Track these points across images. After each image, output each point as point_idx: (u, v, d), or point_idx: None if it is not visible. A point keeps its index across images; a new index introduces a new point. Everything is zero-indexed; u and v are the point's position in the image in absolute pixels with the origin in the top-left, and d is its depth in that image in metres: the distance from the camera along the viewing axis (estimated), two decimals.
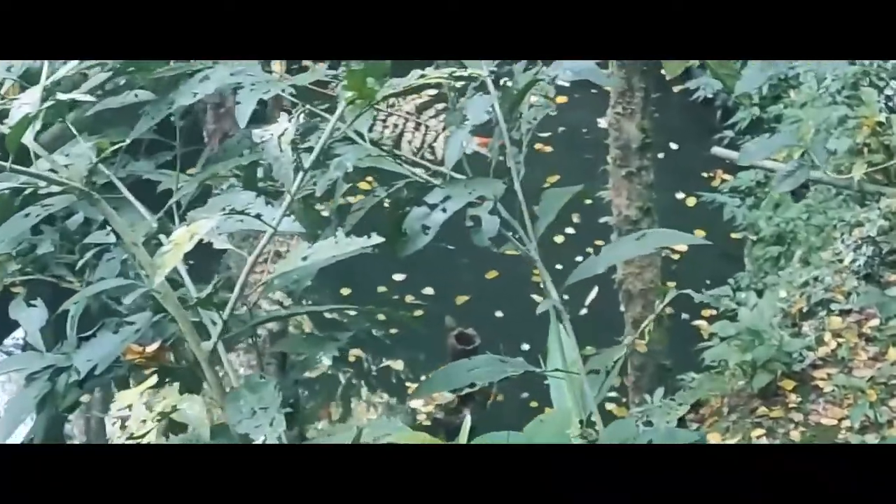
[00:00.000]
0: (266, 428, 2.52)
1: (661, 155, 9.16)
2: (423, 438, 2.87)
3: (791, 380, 7.24)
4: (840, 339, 7.48)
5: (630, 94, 7.37)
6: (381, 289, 9.31)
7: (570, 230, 9.74)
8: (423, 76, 2.77)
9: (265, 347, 3.18)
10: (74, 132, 3.05)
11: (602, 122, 8.46)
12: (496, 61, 3.08)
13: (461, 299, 8.72)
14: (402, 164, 3.02)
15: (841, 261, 7.96)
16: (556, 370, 2.98)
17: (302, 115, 2.82)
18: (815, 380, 7.24)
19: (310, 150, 2.90)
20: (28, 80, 2.96)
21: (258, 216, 2.70)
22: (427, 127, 4.89)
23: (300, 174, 2.70)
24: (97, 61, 2.94)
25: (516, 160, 3.10)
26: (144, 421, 2.52)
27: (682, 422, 7.60)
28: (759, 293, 8.31)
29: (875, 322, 7.44)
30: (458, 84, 3.00)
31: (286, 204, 2.70)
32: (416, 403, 8.73)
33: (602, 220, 8.39)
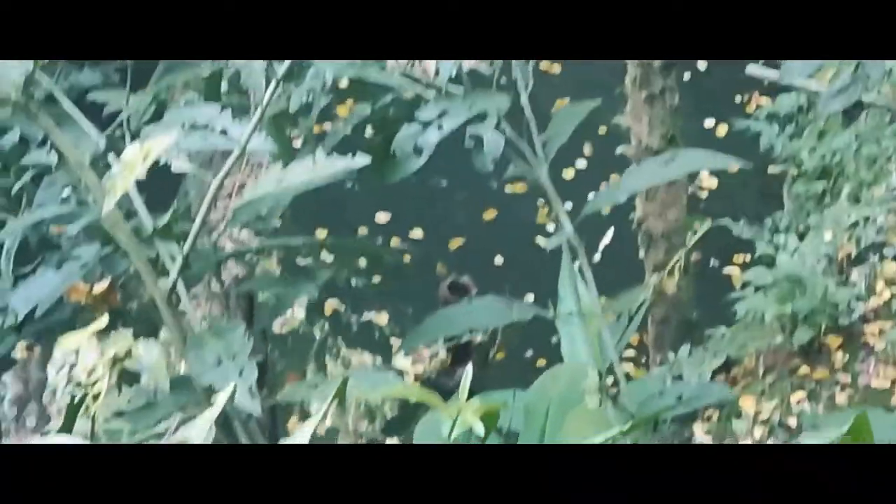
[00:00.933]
0: (234, 377, 2.52)
1: (686, 75, 9.12)
2: (417, 393, 2.88)
3: (837, 335, 7.27)
4: (895, 289, 7.50)
5: None
6: (363, 230, 9.31)
7: (581, 163, 9.73)
8: None
9: (230, 290, 3.17)
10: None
11: None
12: None
13: (455, 243, 8.69)
14: (391, 74, 3.02)
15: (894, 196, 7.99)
16: (570, 314, 2.97)
17: None
18: (865, 335, 7.26)
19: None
20: None
21: (223, 132, 2.70)
22: None
23: (272, 84, 2.71)
24: None
25: (523, 71, 3.11)
26: (93, 370, 2.51)
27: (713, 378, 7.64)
28: (801, 236, 8.33)
29: None
30: None
31: (256, 118, 2.70)
32: (402, 363, 8.77)
33: (619, 150, 8.35)
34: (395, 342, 8.97)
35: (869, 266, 7.62)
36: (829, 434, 3.45)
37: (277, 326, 8.24)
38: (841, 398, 6.90)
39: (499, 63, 3.13)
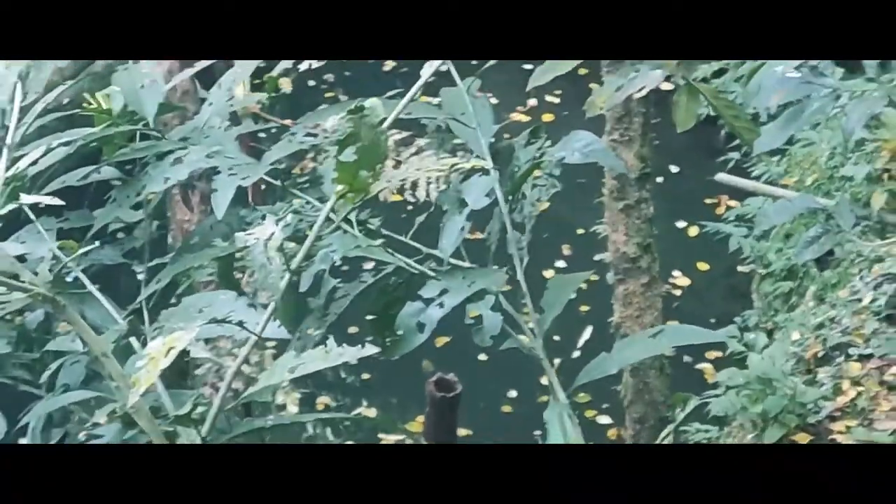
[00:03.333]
0: None
1: (660, 179, 9.19)
2: None
3: (806, 433, 7.25)
4: (859, 388, 7.50)
5: (628, 118, 7.41)
6: (353, 329, 9.31)
7: (560, 263, 9.75)
8: (421, 169, 2.80)
9: None
10: (32, 217, 3.08)
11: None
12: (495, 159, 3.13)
13: (441, 341, 8.71)
14: (394, 253, 3.05)
15: (860, 300, 7.99)
16: None
17: (289, 215, 2.83)
18: (833, 433, 7.26)
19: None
20: None
21: (241, 324, 2.72)
22: (408, 166, 4.91)
23: (286, 277, 2.73)
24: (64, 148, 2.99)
25: (519, 246, 3.13)
26: None
27: None
28: (769, 334, 8.36)
29: None
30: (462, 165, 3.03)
31: (270, 310, 2.72)
32: None
33: (597, 256, 8.39)
34: (383, 436, 8.95)
35: (835, 366, 7.65)
36: None
37: None
38: None
39: (495, 236, 3.16)
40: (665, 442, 6.91)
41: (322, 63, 3.18)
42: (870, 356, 7.60)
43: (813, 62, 3.54)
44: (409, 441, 8.83)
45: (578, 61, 3.54)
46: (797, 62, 3.56)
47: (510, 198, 3.12)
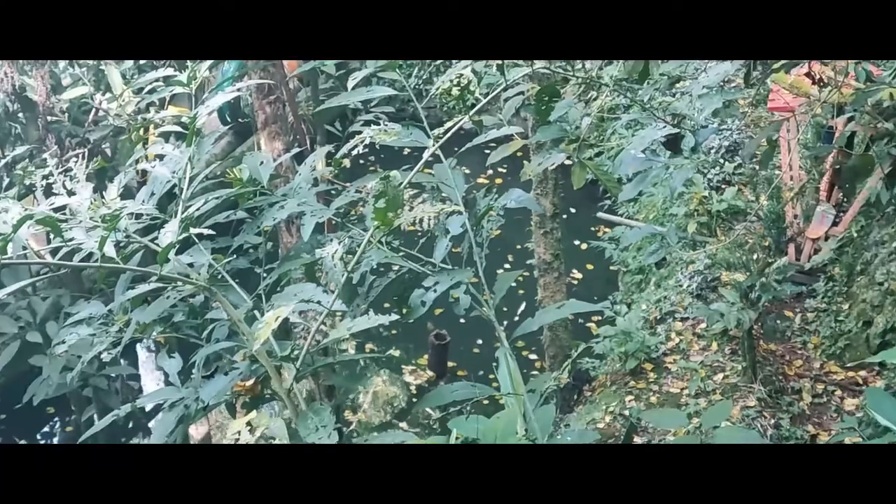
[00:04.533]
0: (326, 440, 2.50)
1: (565, 216, 9.26)
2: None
3: (650, 363, 7.30)
4: (681, 337, 7.53)
5: (545, 181, 7.42)
6: (386, 304, 9.29)
7: (507, 265, 9.78)
8: (423, 212, 2.78)
9: (322, 381, 3.15)
10: (196, 241, 3.06)
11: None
12: (464, 200, 3.04)
13: (438, 311, 8.70)
14: (407, 261, 3.04)
15: (681, 285, 8.02)
16: (509, 393, 2.97)
17: (347, 238, 2.81)
18: (666, 363, 7.29)
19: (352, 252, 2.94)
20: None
21: (318, 302, 2.71)
22: (416, 210, 4.95)
23: (345, 275, 2.71)
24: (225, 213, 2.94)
25: (479, 256, 3.10)
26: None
27: (580, 393, 7.62)
28: (629, 306, 8.37)
29: (703, 325, 7.50)
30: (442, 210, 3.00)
31: (335, 295, 2.70)
32: (408, 378, 8.72)
33: (528, 261, 8.40)
34: (404, 367, 8.92)
35: (667, 324, 7.67)
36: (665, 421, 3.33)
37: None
38: (653, 399, 6.90)
39: (466, 250, 3.12)
40: (566, 368, 6.91)
41: (367, 149, 3.13)
42: (686, 318, 7.63)
43: (652, 147, 3.52)
44: (419, 371, 8.80)
45: (518, 147, 3.50)
46: (647, 145, 3.53)
47: (475, 228, 3.09)
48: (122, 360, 7.42)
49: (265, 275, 3.02)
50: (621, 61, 3.42)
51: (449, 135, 3.02)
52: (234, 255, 3.14)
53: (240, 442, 2.45)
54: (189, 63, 3.01)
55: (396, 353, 9.23)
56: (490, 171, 11.20)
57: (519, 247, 9.99)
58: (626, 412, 6.84)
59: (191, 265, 2.89)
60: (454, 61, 2.95)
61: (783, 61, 3.46)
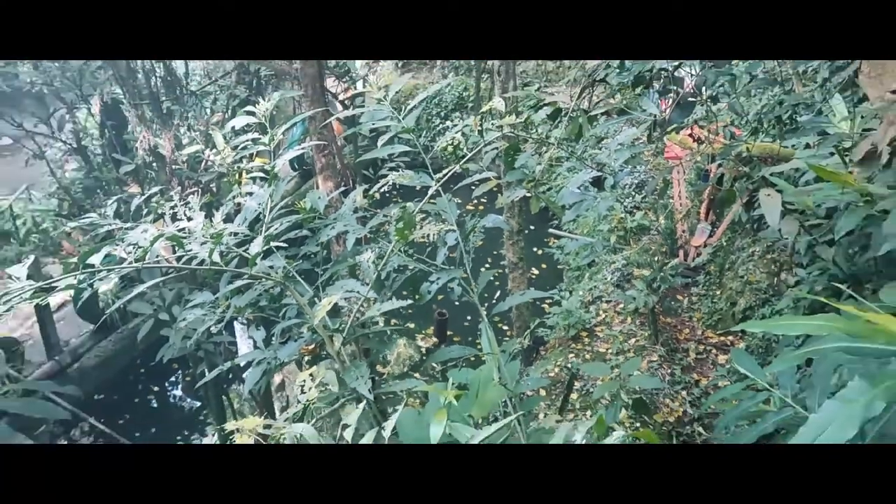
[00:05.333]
0: (363, 386, 2.51)
1: (527, 231, 9.22)
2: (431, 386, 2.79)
3: (586, 332, 7.24)
4: (605, 314, 7.49)
5: (513, 208, 7.37)
6: (404, 293, 9.25)
7: (487, 265, 9.74)
8: (429, 229, 2.78)
9: (360, 345, 3.13)
10: (275, 250, 3.05)
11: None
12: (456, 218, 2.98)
13: (440, 297, 8.67)
14: (418, 263, 3.03)
15: (606, 279, 7.98)
16: (489, 353, 2.95)
17: (377, 249, 2.80)
18: (596, 332, 7.23)
19: (381, 257, 2.92)
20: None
21: (357, 292, 2.70)
22: (425, 228, 4.95)
23: (375, 273, 2.70)
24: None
25: (467, 260, 3.09)
26: (310, 388, 2.48)
27: (537, 352, 7.58)
28: (571, 293, 8.33)
29: (621, 306, 7.42)
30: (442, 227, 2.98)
31: (370, 286, 2.70)
32: (421, 343, 8.68)
33: (502, 262, 8.36)
34: (417, 335, 8.87)
35: (597, 305, 7.62)
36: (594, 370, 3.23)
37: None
38: (587, 356, 6.85)
39: (458, 255, 3.10)
40: (528, 336, 6.87)
41: (390, 187, 3.10)
42: (610, 301, 7.59)
43: (585, 185, 3.52)
44: (427, 336, 8.76)
45: (494, 185, 3.45)
46: (581, 183, 3.47)
47: (464, 241, 3.09)
48: (224, 332, 7.44)
49: (321, 273, 3.01)
50: (563, 125, 3.41)
51: (446, 178, 3.02)
52: (301, 260, 3.13)
53: (304, 389, 2.43)
54: (269, 129, 3.02)
55: (412, 325, 9.17)
56: (475, 201, 11.20)
57: (495, 252, 9.95)
58: (569, 366, 6.82)
59: (271, 267, 2.88)
60: (451, 125, 2.95)
61: (674, 126, 3.47)
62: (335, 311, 3.10)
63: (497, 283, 9.14)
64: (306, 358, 2.83)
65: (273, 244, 2.78)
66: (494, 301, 9.39)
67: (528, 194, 3.46)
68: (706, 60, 2.54)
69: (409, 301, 2.63)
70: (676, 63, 3.07)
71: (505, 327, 8.75)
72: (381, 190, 2.99)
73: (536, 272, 9.92)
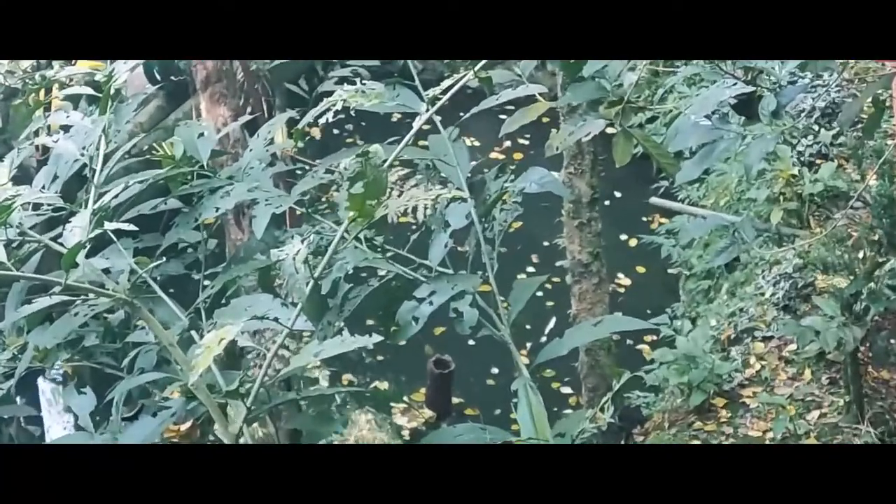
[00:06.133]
0: None
1: (606, 202, 9.21)
2: None
3: (722, 398, 7.27)
4: (763, 362, 7.51)
5: (581, 156, 7.41)
6: (369, 322, 9.32)
7: (530, 269, 9.77)
8: (415, 198, 2.80)
9: (279, 424, 3.18)
10: (114, 239, 3.08)
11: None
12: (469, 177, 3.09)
13: (438, 329, 8.71)
14: (394, 263, 3.06)
15: (762, 294, 8.00)
16: (530, 439, 2.98)
17: (312, 235, 2.84)
18: (743, 398, 7.27)
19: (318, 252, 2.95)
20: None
21: (276, 319, 2.73)
22: (407, 195, 4.98)
23: (310, 283, 2.73)
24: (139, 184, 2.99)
25: (490, 257, 3.12)
26: None
27: (629, 435, 7.64)
28: (693, 321, 8.36)
29: (793, 347, 7.44)
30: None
31: (298, 309, 2.73)
32: (400, 420, 8.74)
33: (558, 263, 8.39)
34: (393, 406, 8.94)
35: (744, 345, 7.66)
36: None
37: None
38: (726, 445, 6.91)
39: (472, 249, 3.15)
40: (608, 405, 6.92)
41: (342, 115, 3.15)
42: (771, 337, 7.61)
43: (721, 110, 3.54)
44: (413, 409, 8.83)
45: (543, 110, 3.53)
46: (714, 108, 3.56)
47: (483, 219, 3.11)
48: (17, 398, 7.44)
49: (206, 283, 3.03)
50: None
51: (449, 95, 3.04)
52: (165, 258, 3.15)
53: None
54: None
55: (383, 385, 9.23)
56: (505, 144, 11.20)
57: (546, 244, 9.97)
58: None
59: (107, 271, 2.89)
60: None
61: None
62: (233, 358, 3.12)
63: (550, 301, 9.18)
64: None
65: (111, 226, 2.78)
66: (544, 337, 9.43)
67: (611, 129, 3.46)
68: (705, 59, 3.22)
69: (379, 338, 2.64)
70: None
71: (565, 389, 8.80)
72: (323, 120, 3.00)
73: (626, 281, 9.96)
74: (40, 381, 8.58)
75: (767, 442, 6.87)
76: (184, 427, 2.84)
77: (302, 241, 2.70)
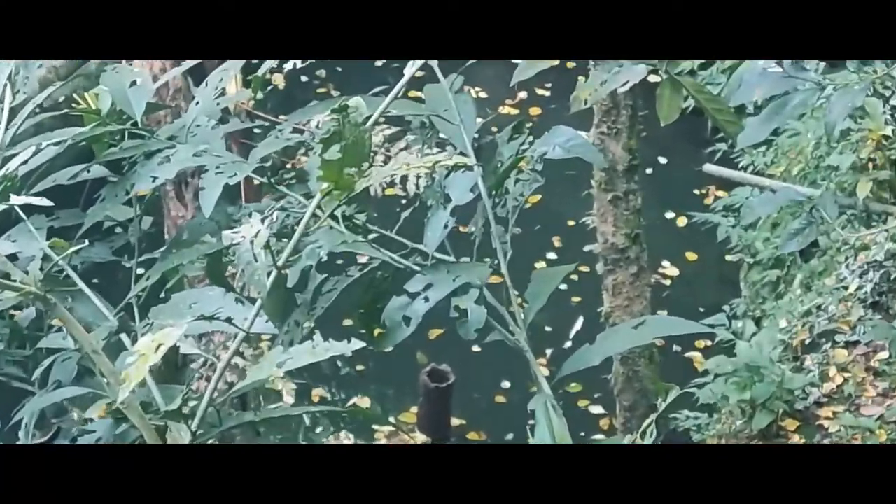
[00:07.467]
0: None
1: (648, 170, 9.20)
2: None
3: (794, 419, 7.27)
4: (846, 374, 7.51)
5: (616, 111, 7.40)
6: (347, 322, 9.32)
7: (551, 255, 9.78)
8: (406, 165, 2.79)
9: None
10: (23, 216, 3.08)
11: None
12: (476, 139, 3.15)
13: (434, 333, 8.70)
14: (379, 248, 3.06)
15: (846, 287, 8.00)
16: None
17: (275, 213, 2.83)
18: (820, 419, 7.27)
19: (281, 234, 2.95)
20: None
21: (229, 320, 2.72)
22: (395, 162, 5.01)
23: (273, 273, 2.72)
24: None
25: (502, 240, 3.13)
26: None
27: None
28: (757, 322, 8.38)
29: (884, 355, 7.43)
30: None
31: (258, 306, 2.72)
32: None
33: (587, 248, 8.39)
34: (376, 428, 8.96)
35: (822, 353, 7.65)
36: None
37: None
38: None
39: (479, 230, 3.15)
40: (651, 430, 6.93)
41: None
42: (856, 343, 7.60)
43: None
44: (402, 433, 8.87)
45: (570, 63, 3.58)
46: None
47: (493, 193, 3.12)
48: None
49: (140, 272, 3.03)
50: None
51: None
52: (88, 241, 3.15)
53: None
54: None
55: (364, 403, 9.26)
56: (520, 96, 11.20)
57: (571, 223, 9.98)
58: None
59: (13, 258, 2.89)
60: None
61: None
62: (175, 369, 3.12)
63: (577, 297, 9.20)
64: None
65: (17, 201, 2.80)
66: (569, 343, 9.43)
67: (654, 78, 3.46)
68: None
69: (360, 344, 2.63)
70: None
71: (595, 408, 8.84)
72: (289, 65, 3.04)
73: (673, 271, 9.97)
74: None
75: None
76: None
77: (263, 221, 2.68)
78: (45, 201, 2.79)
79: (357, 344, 2.69)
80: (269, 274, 2.69)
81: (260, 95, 3.39)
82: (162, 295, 3.03)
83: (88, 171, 3.23)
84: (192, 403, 2.76)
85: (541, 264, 9.12)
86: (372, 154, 2.85)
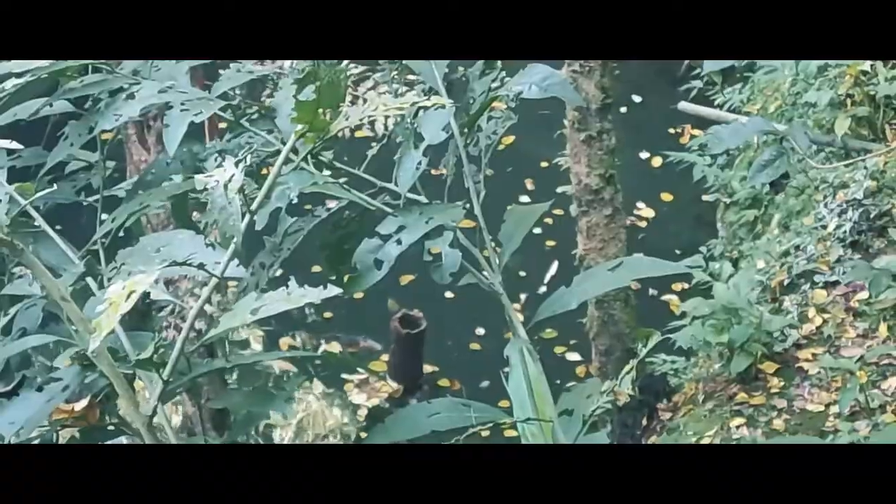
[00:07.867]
0: None
1: (622, 109, 9.20)
2: None
3: (773, 362, 7.30)
4: (825, 316, 7.53)
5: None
6: (316, 268, 9.31)
7: (524, 198, 9.76)
8: (384, 105, 2.76)
9: (205, 402, 3.18)
10: None
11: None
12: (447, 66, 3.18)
13: (405, 278, 8.72)
14: (350, 189, 3.04)
15: (824, 227, 8.02)
16: (528, 419, 3.01)
17: (248, 157, 2.81)
18: (800, 361, 7.28)
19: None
20: None
21: (201, 265, 2.70)
22: (365, 100, 5.01)
23: (245, 216, 2.70)
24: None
25: (475, 180, 3.11)
26: None
27: (652, 411, 7.71)
28: (735, 263, 8.40)
29: (863, 295, 7.44)
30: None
31: (230, 252, 2.70)
32: (358, 398, 8.78)
33: (560, 189, 8.41)
34: (346, 377, 8.96)
35: (800, 294, 7.68)
36: None
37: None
38: (778, 423, 6.91)
39: (451, 170, 3.14)
40: (630, 374, 6.96)
41: None
42: (836, 283, 7.63)
43: None
44: (373, 381, 8.89)
45: None
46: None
47: (465, 131, 3.10)
48: None
49: (105, 216, 3.02)
50: None
51: None
52: (50, 182, 3.13)
53: None
54: None
55: (336, 350, 9.27)
56: None
57: (545, 164, 9.99)
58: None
59: None
60: None
61: None
62: (142, 317, 3.12)
63: (551, 240, 9.21)
64: (70, 433, 2.86)
65: None
66: (543, 287, 9.43)
67: None
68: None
69: (336, 290, 2.63)
70: None
71: (572, 354, 8.88)
72: None
73: (649, 212, 9.99)
74: None
75: (830, 418, 6.93)
76: (78, 406, 2.80)
77: (233, 160, 2.66)
78: (10, 143, 2.78)
79: (333, 290, 2.68)
80: (243, 218, 2.67)
81: None
82: (122, 235, 3.02)
83: (51, 106, 3.18)
84: (161, 352, 2.75)
85: (512, 206, 9.09)
86: (345, 95, 2.84)
